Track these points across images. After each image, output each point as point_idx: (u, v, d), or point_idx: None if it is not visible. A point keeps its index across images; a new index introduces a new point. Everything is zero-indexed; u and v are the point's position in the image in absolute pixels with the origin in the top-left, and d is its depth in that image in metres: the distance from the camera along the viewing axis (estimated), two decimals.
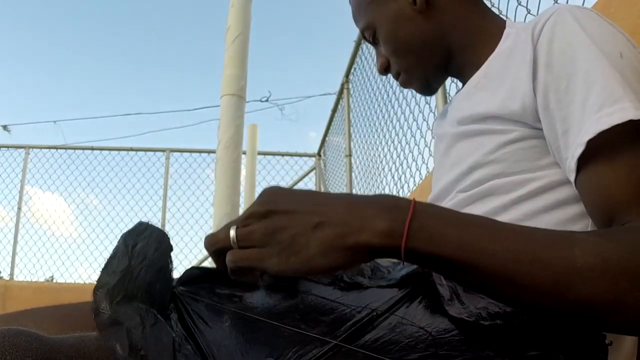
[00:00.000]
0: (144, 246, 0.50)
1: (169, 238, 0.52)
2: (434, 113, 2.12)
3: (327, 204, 0.46)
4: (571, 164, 0.52)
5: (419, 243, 0.43)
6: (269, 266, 0.45)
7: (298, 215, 0.45)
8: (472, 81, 0.72)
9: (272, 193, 0.48)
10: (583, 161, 0.51)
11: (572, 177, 0.53)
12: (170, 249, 0.52)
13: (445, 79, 0.84)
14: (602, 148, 0.50)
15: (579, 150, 0.51)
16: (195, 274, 0.54)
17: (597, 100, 0.51)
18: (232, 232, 0.47)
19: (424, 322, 0.46)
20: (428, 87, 0.82)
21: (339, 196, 0.47)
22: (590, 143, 0.50)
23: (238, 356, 0.44)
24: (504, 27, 0.72)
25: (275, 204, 0.47)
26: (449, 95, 1.98)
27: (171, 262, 0.52)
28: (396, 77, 0.81)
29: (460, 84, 0.81)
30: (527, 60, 0.59)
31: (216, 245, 0.49)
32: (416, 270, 0.51)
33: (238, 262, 0.46)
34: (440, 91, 1.95)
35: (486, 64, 0.70)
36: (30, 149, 5.18)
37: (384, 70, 0.82)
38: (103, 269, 0.48)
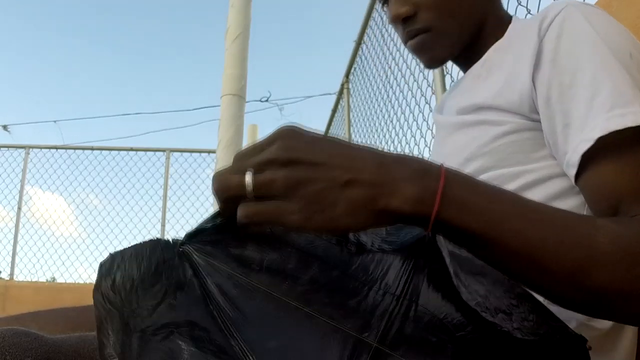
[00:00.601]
0: (124, 272, 0.43)
1: (151, 242, 0.46)
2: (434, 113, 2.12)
3: (356, 159, 0.42)
4: (573, 158, 0.53)
5: (449, 214, 0.42)
6: (288, 222, 0.41)
7: (326, 169, 0.41)
8: (472, 71, 0.72)
9: (294, 136, 0.43)
10: (588, 157, 0.51)
11: (572, 171, 0.53)
12: (159, 244, 0.46)
13: (449, 60, 0.78)
14: (611, 146, 0.50)
15: (584, 145, 0.51)
16: (202, 229, 0.47)
17: (606, 100, 0.51)
18: (249, 179, 0.42)
19: (441, 310, 0.45)
20: (442, 57, 0.74)
21: (367, 151, 0.44)
22: (600, 140, 0.50)
23: (270, 353, 0.41)
24: (510, 22, 0.72)
25: (300, 152, 0.42)
26: None
27: (163, 248, 0.46)
28: (414, 34, 0.72)
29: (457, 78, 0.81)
30: (530, 51, 0.59)
31: (228, 192, 0.43)
32: (418, 237, 0.49)
33: (253, 217, 0.42)
34: (440, 90, 1.95)
35: (487, 54, 0.70)
36: (30, 149, 5.18)
37: (404, 19, 0.71)
38: (99, 348, 0.40)
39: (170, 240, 0.47)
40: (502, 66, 0.65)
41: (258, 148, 0.43)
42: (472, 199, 0.42)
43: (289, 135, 0.43)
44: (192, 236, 0.47)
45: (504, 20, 0.73)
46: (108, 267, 0.43)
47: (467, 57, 0.75)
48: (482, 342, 0.44)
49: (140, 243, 0.46)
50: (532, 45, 0.59)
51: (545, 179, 0.59)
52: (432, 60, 0.75)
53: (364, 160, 0.42)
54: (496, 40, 0.70)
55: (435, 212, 0.41)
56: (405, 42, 0.74)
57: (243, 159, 0.43)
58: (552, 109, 0.56)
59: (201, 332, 0.41)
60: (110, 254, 0.44)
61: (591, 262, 0.42)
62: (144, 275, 0.43)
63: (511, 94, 0.61)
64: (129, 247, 0.45)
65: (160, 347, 0.40)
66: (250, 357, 0.39)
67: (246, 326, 0.41)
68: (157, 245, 0.46)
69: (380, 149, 0.45)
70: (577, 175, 0.53)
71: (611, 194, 0.50)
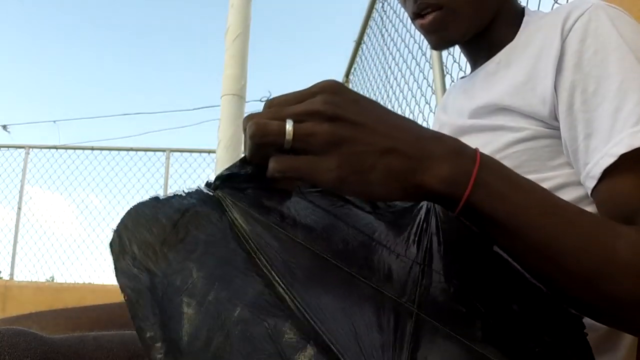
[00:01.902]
0: (141, 241, 0.38)
1: (151, 199, 0.41)
2: (434, 113, 2.12)
3: (399, 128, 0.41)
4: (594, 171, 0.52)
5: (479, 199, 0.41)
6: (322, 179, 0.39)
7: (369, 132, 0.40)
8: (484, 69, 0.70)
9: (340, 92, 0.41)
10: (609, 170, 0.50)
11: (591, 183, 0.52)
12: (160, 199, 0.41)
13: (458, 43, 0.74)
14: (633, 161, 0.49)
15: (607, 160, 0.50)
16: (235, 174, 0.44)
17: (632, 114, 0.50)
18: (290, 127, 0.39)
19: (463, 281, 0.45)
20: (453, 39, 0.70)
21: (409, 122, 0.43)
22: (623, 156, 0.49)
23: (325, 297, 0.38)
24: (523, 15, 0.70)
25: (345, 110, 0.40)
26: None
27: (181, 197, 0.42)
28: (424, 8, 0.66)
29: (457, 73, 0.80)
30: (553, 53, 0.57)
31: (265, 138, 0.39)
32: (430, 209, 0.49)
33: (286, 172, 0.39)
34: (440, 90, 1.95)
35: (504, 51, 0.67)
36: (30, 149, 5.18)
37: None
38: (138, 335, 0.34)
39: (199, 186, 0.44)
40: (521, 62, 0.62)
41: (298, 98, 0.41)
42: (503, 186, 0.42)
43: (335, 90, 0.41)
44: (225, 180, 0.44)
45: (518, 13, 0.70)
46: (120, 244, 0.38)
47: (477, 46, 0.72)
48: (503, 317, 0.44)
49: (138, 204, 0.41)
50: (554, 45, 0.57)
51: (558, 187, 0.57)
52: (442, 41, 0.70)
53: (405, 131, 0.41)
54: (510, 33, 0.67)
55: (466, 195, 0.41)
56: (413, 18, 0.69)
57: (281, 106, 0.41)
58: (574, 117, 0.54)
59: (250, 285, 0.38)
60: (114, 230, 0.39)
61: (610, 268, 0.41)
62: (164, 235, 0.39)
63: (532, 96, 0.58)
64: (128, 213, 0.40)
65: (209, 310, 0.36)
66: (307, 314, 0.37)
67: (296, 281, 0.39)
68: (161, 200, 0.41)
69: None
70: (594, 188, 0.52)
71: (627, 205, 0.49)
